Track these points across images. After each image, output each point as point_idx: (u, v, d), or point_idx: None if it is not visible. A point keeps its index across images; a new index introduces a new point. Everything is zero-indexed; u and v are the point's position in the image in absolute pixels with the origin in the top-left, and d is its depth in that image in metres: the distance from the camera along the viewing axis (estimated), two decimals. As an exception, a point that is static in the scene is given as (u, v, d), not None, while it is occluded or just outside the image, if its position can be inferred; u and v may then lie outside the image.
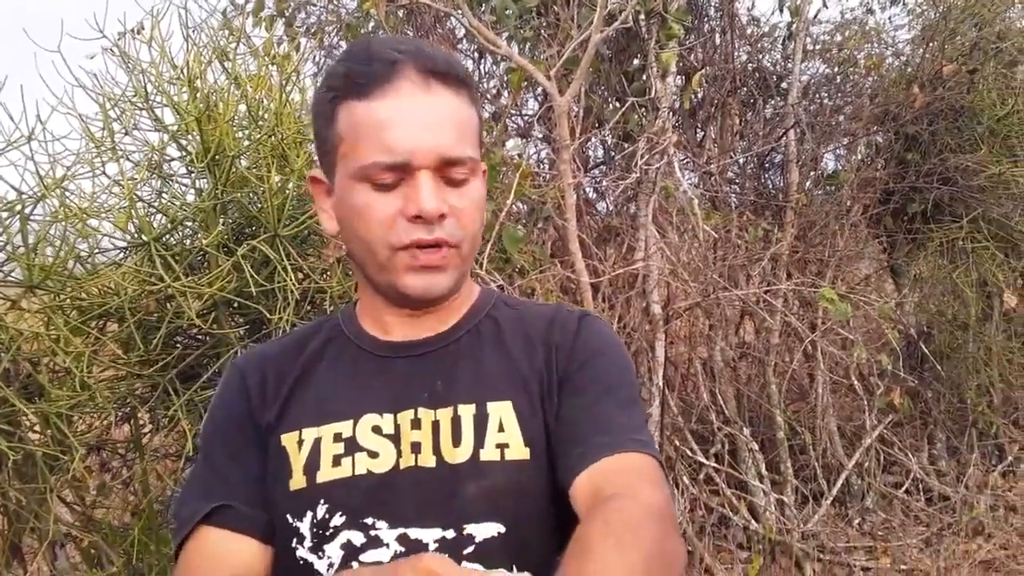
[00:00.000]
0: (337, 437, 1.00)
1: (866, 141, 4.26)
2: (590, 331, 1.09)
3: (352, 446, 0.99)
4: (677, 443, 3.36)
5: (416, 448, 0.98)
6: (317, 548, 0.97)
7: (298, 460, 1.00)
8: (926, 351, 4.06)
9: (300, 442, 1.01)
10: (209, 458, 1.07)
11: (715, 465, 3.45)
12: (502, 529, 0.94)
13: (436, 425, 0.99)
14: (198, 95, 2.20)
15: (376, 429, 1.00)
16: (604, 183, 3.62)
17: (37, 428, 1.97)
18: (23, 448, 1.77)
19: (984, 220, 3.99)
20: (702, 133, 4.05)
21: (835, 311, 3.06)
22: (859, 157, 4.28)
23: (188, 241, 2.25)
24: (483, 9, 3.36)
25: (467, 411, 1.00)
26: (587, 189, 3.68)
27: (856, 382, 3.80)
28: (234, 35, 2.68)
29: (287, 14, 3.93)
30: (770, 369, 3.73)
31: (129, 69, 2.24)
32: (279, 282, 2.07)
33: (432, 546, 0.94)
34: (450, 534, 0.94)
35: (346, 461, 0.99)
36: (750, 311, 3.82)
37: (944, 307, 4.20)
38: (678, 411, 3.44)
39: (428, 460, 0.98)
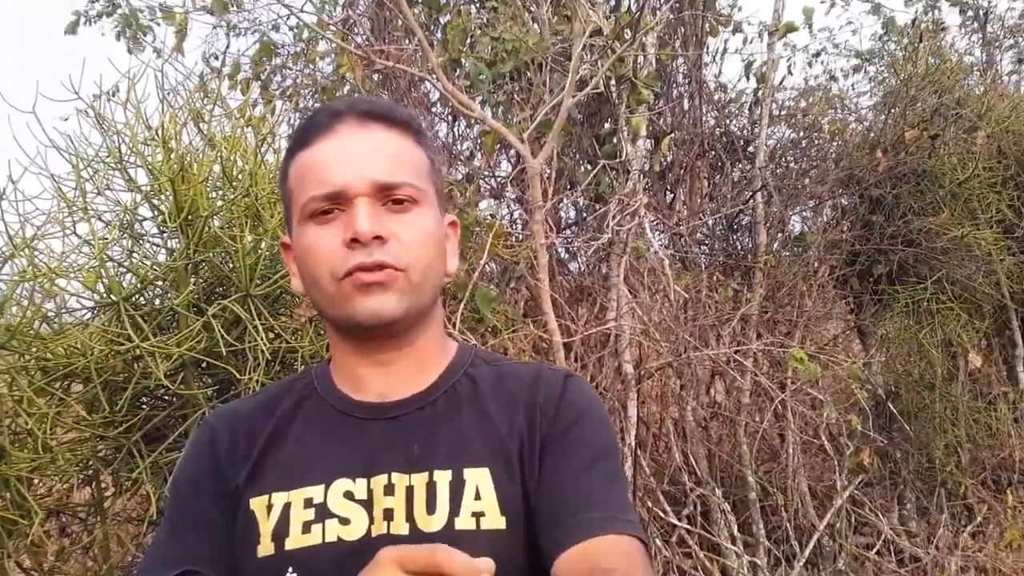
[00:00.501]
0: (308, 503, 0.98)
1: (832, 204, 4.35)
2: (576, 393, 1.06)
3: (323, 512, 0.97)
4: (650, 504, 3.34)
5: (388, 515, 0.96)
6: None
7: (267, 525, 0.98)
8: (894, 411, 4.09)
9: (269, 507, 0.99)
10: (171, 520, 1.05)
11: (687, 527, 3.43)
12: None
13: (410, 491, 0.97)
14: (172, 156, 2.21)
15: (348, 495, 0.97)
16: (576, 243, 3.66)
17: (-5, 491, 1.93)
18: (-19, 512, 1.73)
19: (948, 281, 4.07)
20: (671, 195, 4.11)
21: (805, 371, 3.09)
22: (825, 219, 4.36)
23: (158, 301, 2.24)
24: (457, 74, 3.42)
25: (443, 477, 0.97)
26: (559, 249, 3.71)
27: (826, 442, 3.82)
28: (209, 97, 2.71)
29: (263, 77, 3.98)
30: (741, 429, 3.74)
31: (104, 130, 2.25)
32: (250, 342, 2.06)
33: None
34: None
35: (316, 528, 0.96)
36: (720, 371, 3.84)
37: (911, 367, 4.24)
38: (650, 472, 3.43)
39: (401, 527, 0.95)
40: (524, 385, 1.07)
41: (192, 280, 2.16)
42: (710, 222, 4.12)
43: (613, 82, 3.43)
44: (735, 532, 3.53)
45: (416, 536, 0.94)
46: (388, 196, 0.98)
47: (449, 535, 0.93)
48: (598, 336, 3.38)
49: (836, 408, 3.64)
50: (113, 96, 2.41)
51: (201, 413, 2.06)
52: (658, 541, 3.29)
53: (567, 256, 3.86)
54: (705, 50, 3.98)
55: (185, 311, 2.07)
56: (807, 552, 3.60)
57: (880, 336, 4.37)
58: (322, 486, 0.98)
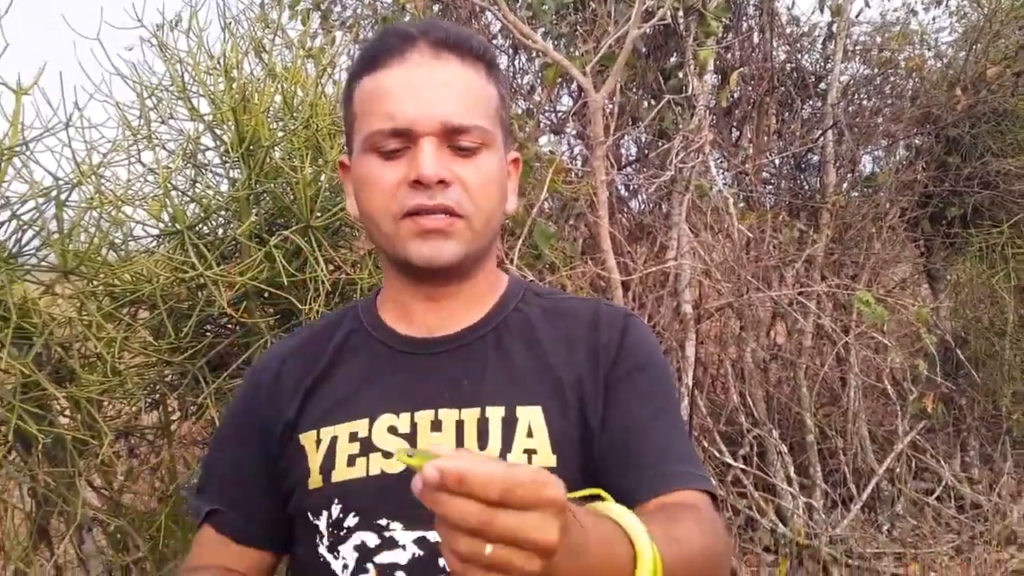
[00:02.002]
0: (353, 436, 0.99)
1: (906, 143, 4.19)
2: (638, 334, 1.05)
3: (367, 446, 0.98)
4: (705, 444, 3.33)
5: None
6: (333, 548, 0.97)
7: (315, 459, 1.00)
8: (961, 357, 3.99)
9: (318, 441, 1.01)
10: (211, 458, 1.14)
11: (743, 467, 3.42)
12: None
13: (460, 425, 0.97)
14: (234, 85, 2.21)
15: (392, 429, 0.98)
16: (638, 181, 3.59)
17: (67, 413, 2.00)
18: (53, 432, 1.78)
19: (1026, 225, 3.92)
20: (737, 133, 4.00)
21: (871, 314, 3.01)
22: (898, 159, 4.21)
23: (221, 231, 2.27)
24: (519, 4, 3.34)
25: (495, 414, 0.97)
26: (619, 186, 3.65)
27: (889, 387, 3.75)
28: (270, 28, 2.69)
29: (323, 7, 3.94)
30: (801, 372, 3.69)
31: (167, 59, 2.26)
32: (310, 273, 2.07)
33: None
34: None
35: (360, 461, 0.98)
36: (782, 313, 3.77)
37: (981, 313, 4.12)
38: (707, 412, 3.41)
39: None
40: (583, 323, 1.04)
41: (254, 211, 2.17)
42: (777, 161, 4.01)
43: (680, 13, 3.32)
44: (791, 474, 3.51)
45: None
46: (456, 139, 0.96)
47: None
48: (657, 275, 3.34)
49: (901, 353, 3.55)
50: (176, 25, 2.41)
51: (264, 341, 2.09)
52: (713, 480, 3.28)
53: (627, 194, 3.80)
54: (779, -21, 3.82)
55: (247, 241, 2.09)
56: (864, 496, 3.57)
57: (950, 281, 4.24)
58: (367, 420, 0.99)
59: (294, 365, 1.07)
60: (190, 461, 2.30)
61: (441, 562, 0.91)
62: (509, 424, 0.96)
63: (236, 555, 1.06)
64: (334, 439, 1.00)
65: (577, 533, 0.66)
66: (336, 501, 0.97)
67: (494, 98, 1.01)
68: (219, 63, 2.29)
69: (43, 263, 1.89)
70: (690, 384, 3.22)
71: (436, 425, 0.97)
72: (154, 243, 2.19)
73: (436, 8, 3.58)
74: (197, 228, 2.14)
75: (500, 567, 0.60)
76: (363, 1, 3.95)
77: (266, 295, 2.21)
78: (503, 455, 0.94)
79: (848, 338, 3.60)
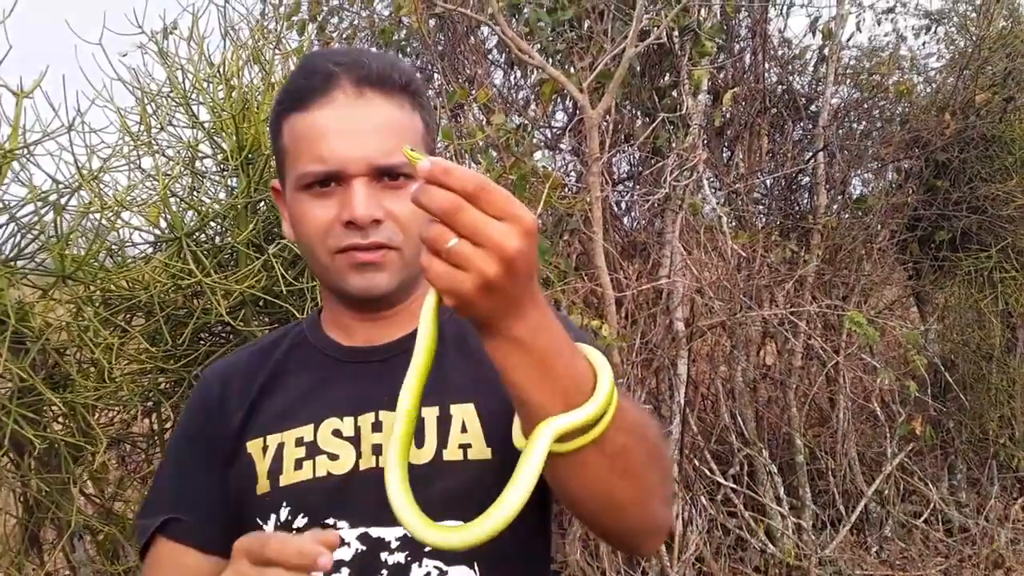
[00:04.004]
0: (299, 442, 1.03)
1: (895, 167, 4.23)
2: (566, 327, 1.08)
3: (313, 449, 1.02)
4: (696, 462, 3.33)
5: (377, 450, 1.00)
6: None
7: (263, 465, 1.03)
8: (949, 380, 4.01)
9: (264, 448, 1.04)
10: (164, 469, 1.17)
11: (733, 486, 3.41)
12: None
13: None
14: (234, 94, 2.20)
15: (336, 432, 1.02)
16: (632, 198, 3.61)
17: (60, 419, 1.97)
18: (48, 437, 1.76)
19: (1013, 250, 3.95)
20: (729, 152, 4.03)
21: (862, 335, 3.03)
22: (888, 182, 4.25)
23: (218, 238, 2.25)
24: (516, 21, 3.36)
25: (430, 413, 1.01)
26: (613, 203, 3.66)
27: (878, 408, 3.76)
28: (267, 38, 2.69)
29: (319, 19, 3.94)
30: (791, 392, 3.70)
31: (168, 65, 2.25)
32: (307, 282, 2.07)
33: (394, 543, 0.97)
34: None
35: (307, 464, 1.01)
36: (773, 332, 3.79)
37: (968, 336, 4.15)
38: (698, 430, 3.41)
39: None
40: None
41: (252, 219, 2.16)
42: (768, 181, 4.03)
43: (676, 33, 3.35)
44: (781, 494, 3.51)
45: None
46: (385, 174, 0.99)
47: (437, 466, 0.99)
48: (650, 292, 3.34)
49: (890, 374, 3.57)
50: (174, 31, 2.41)
51: (259, 351, 2.07)
52: (703, 499, 3.28)
53: (620, 210, 3.81)
54: (771, 2, 3.86)
55: (245, 249, 2.08)
56: (853, 517, 3.57)
57: (938, 304, 4.27)
58: (311, 425, 1.03)
59: (240, 379, 1.11)
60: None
61: (383, 556, 0.97)
62: (444, 422, 1.01)
63: (201, 564, 1.06)
64: (281, 445, 1.03)
65: (542, 309, 0.74)
66: (285, 504, 1.01)
67: (419, 128, 1.05)
68: (219, 71, 2.29)
69: (40, 267, 1.87)
70: (681, 402, 3.21)
71: (377, 426, 1.01)
72: (150, 250, 2.18)
73: (434, 22, 3.59)
74: (195, 235, 2.13)
75: (460, 260, 0.67)
76: (360, 13, 3.95)
77: (261, 303, 2.20)
78: (439, 451, 0.99)
79: (838, 358, 3.62)
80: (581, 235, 3.22)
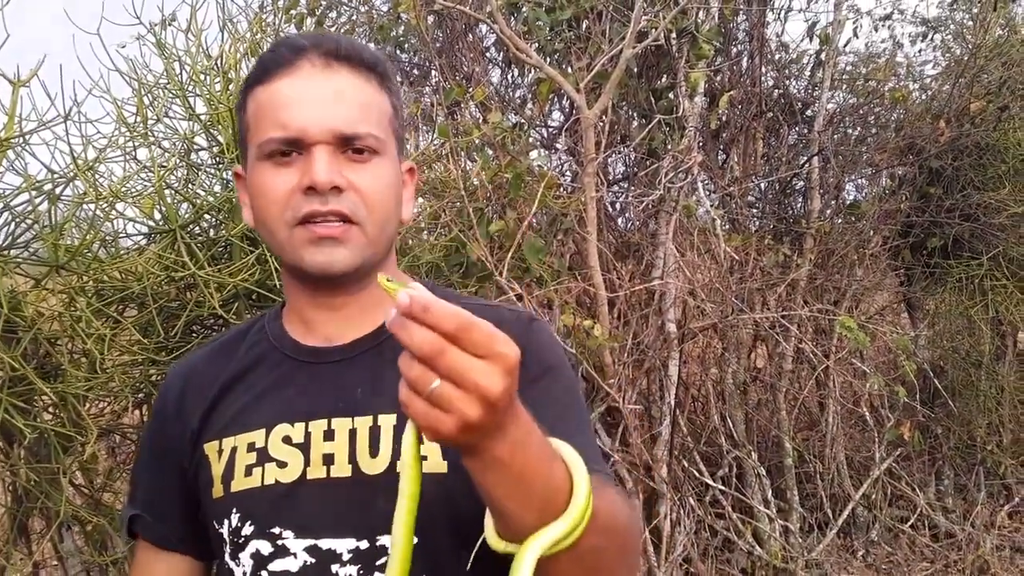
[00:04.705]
0: (250, 447, 1.00)
1: (889, 173, 4.25)
2: (540, 342, 1.03)
3: (263, 456, 0.99)
4: (685, 464, 3.34)
5: (328, 459, 0.97)
6: (234, 556, 0.99)
7: (217, 468, 1.02)
8: (938, 386, 4.03)
9: (220, 451, 1.02)
10: (135, 467, 1.18)
11: (722, 488, 3.43)
12: (415, 540, 0.88)
13: (353, 434, 0.98)
14: (231, 86, 2.20)
15: (286, 439, 0.99)
16: (627, 198, 3.61)
17: (50, 409, 1.97)
18: (38, 427, 1.76)
19: (1004, 259, 3.97)
20: (724, 156, 4.04)
21: (853, 339, 3.04)
22: (881, 188, 4.26)
23: (212, 231, 2.25)
24: (515, 19, 3.36)
25: (387, 421, 0.97)
26: (608, 204, 3.67)
27: (867, 413, 3.78)
28: (265, 32, 2.69)
29: (318, 13, 3.94)
30: (781, 395, 3.71)
31: (165, 57, 2.25)
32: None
33: (346, 555, 0.94)
34: (364, 544, 0.94)
35: (256, 471, 0.99)
36: (764, 336, 3.80)
37: (958, 343, 4.17)
38: (687, 431, 3.42)
39: (343, 470, 0.96)
40: None
41: (246, 212, 2.15)
42: (763, 185, 4.05)
43: (673, 35, 3.35)
44: (769, 497, 3.52)
45: (358, 478, 0.95)
46: (349, 145, 0.96)
47: (391, 477, 0.92)
48: (642, 293, 3.35)
49: (880, 379, 3.59)
50: (171, 23, 2.41)
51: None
52: (691, 500, 3.29)
53: (615, 211, 3.82)
54: (769, 6, 3.87)
55: (239, 242, 2.08)
56: (840, 521, 3.59)
57: (929, 310, 4.29)
58: (263, 430, 1.00)
59: (201, 377, 1.09)
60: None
61: (334, 568, 0.94)
62: (400, 432, 0.94)
63: (163, 567, 1.09)
64: (234, 449, 1.01)
65: (523, 426, 0.72)
66: (235, 510, 0.99)
67: (386, 108, 1.01)
68: (217, 64, 2.29)
69: (34, 256, 1.87)
70: (672, 403, 3.22)
71: (329, 435, 0.98)
72: (144, 241, 2.17)
73: (432, 19, 3.59)
74: (189, 228, 2.13)
75: (441, 403, 0.65)
76: (358, 8, 3.95)
77: (254, 297, 2.20)
78: (393, 462, 0.95)
79: (829, 363, 3.63)
80: (575, 235, 3.23)
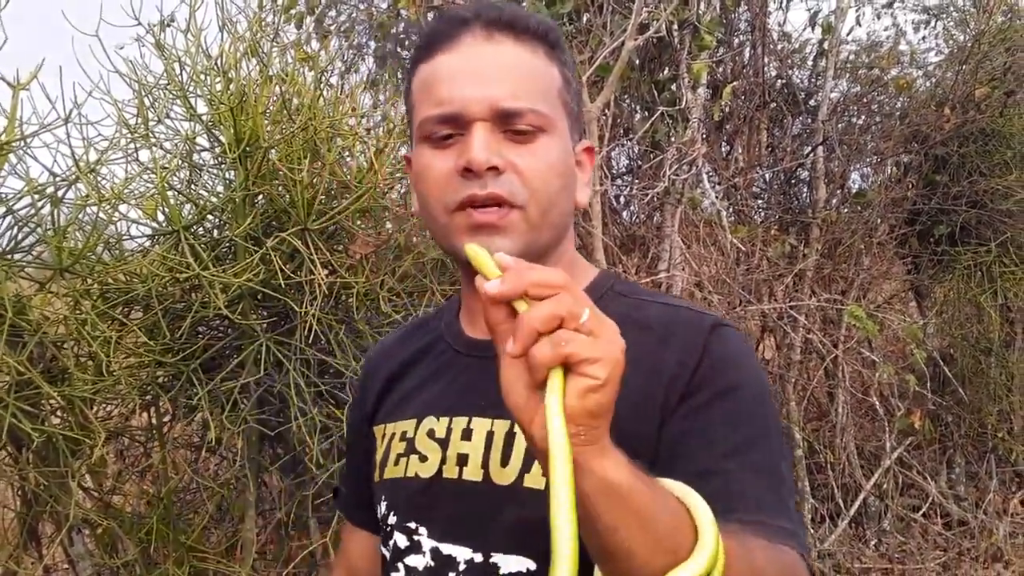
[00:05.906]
0: (403, 436, 0.98)
1: (894, 161, 4.23)
2: (724, 350, 0.88)
3: (410, 447, 0.96)
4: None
5: (463, 460, 0.91)
6: (384, 542, 0.99)
7: (379, 453, 1.02)
8: (948, 374, 4.01)
9: (383, 436, 1.02)
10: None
11: (732, 480, 3.41)
12: (532, 566, 0.85)
13: (490, 437, 0.90)
14: (232, 86, 2.19)
15: (431, 433, 0.95)
16: (632, 191, 3.60)
17: (58, 412, 1.97)
18: (46, 431, 1.75)
19: (1012, 245, 3.95)
20: (728, 147, 4.02)
21: (862, 329, 3.03)
22: (887, 177, 4.24)
23: (216, 232, 2.24)
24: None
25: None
26: (612, 198, 3.65)
27: (877, 403, 3.76)
28: (264, 31, 2.68)
29: (317, 11, 3.93)
30: (790, 386, 3.69)
31: (165, 58, 2.24)
32: (306, 276, 2.06)
33: (462, 565, 0.89)
34: (478, 558, 0.88)
35: (403, 461, 0.96)
36: (772, 327, 3.78)
37: (967, 330, 4.15)
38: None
39: (475, 474, 0.90)
40: (652, 338, 0.89)
41: (250, 212, 2.15)
42: (768, 175, 4.03)
43: (675, 26, 3.33)
44: (780, 488, 3.50)
45: (488, 487, 0.89)
46: (510, 123, 0.88)
47: (517, 492, 0.87)
48: (649, 286, 3.34)
49: (889, 368, 3.57)
50: (171, 23, 2.40)
51: (257, 344, 2.06)
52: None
53: (620, 204, 3.80)
54: (771, -4, 3.85)
55: (243, 243, 2.07)
56: (852, 511, 3.57)
57: (937, 298, 4.27)
58: (415, 421, 0.98)
59: (384, 360, 1.09)
60: (180, 464, 2.27)
61: (450, 575, 0.89)
62: None
63: (356, 541, 1.13)
64: (392, 436, 1.00)
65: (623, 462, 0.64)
66: (383, 498, 0.99)
67: (555, 80, 0.93)
68: (217, 64, 2.28)
69: (38, 260, 1.86)
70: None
71: (467, 433, 0.92)
72: (148, 243, 2.17)
73: (432, 16, 3.57)
74: (193, 229, 2.12)
75: (580, 351, 0.61)
76: (358, 6, 3.94)
77: (259, 297, 2.19)
78: (521, 475, 0.87)
79: (837, 352, 3.61)
80: (580, 229, 3.21)
